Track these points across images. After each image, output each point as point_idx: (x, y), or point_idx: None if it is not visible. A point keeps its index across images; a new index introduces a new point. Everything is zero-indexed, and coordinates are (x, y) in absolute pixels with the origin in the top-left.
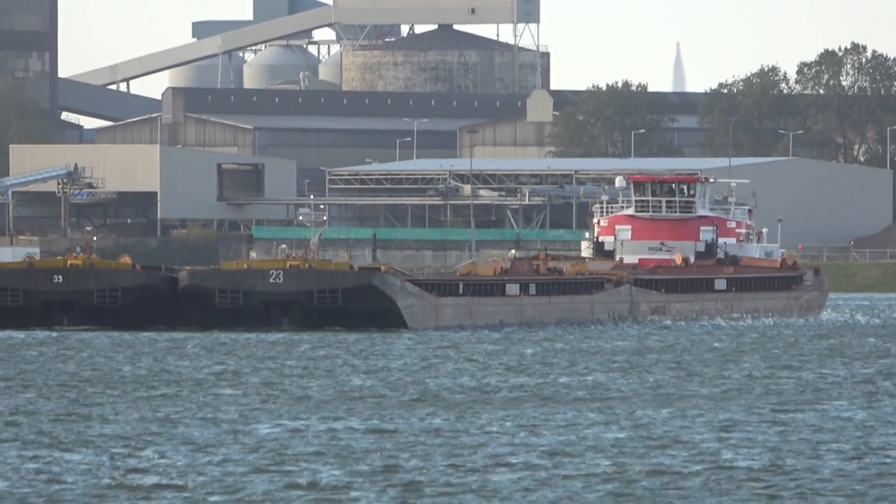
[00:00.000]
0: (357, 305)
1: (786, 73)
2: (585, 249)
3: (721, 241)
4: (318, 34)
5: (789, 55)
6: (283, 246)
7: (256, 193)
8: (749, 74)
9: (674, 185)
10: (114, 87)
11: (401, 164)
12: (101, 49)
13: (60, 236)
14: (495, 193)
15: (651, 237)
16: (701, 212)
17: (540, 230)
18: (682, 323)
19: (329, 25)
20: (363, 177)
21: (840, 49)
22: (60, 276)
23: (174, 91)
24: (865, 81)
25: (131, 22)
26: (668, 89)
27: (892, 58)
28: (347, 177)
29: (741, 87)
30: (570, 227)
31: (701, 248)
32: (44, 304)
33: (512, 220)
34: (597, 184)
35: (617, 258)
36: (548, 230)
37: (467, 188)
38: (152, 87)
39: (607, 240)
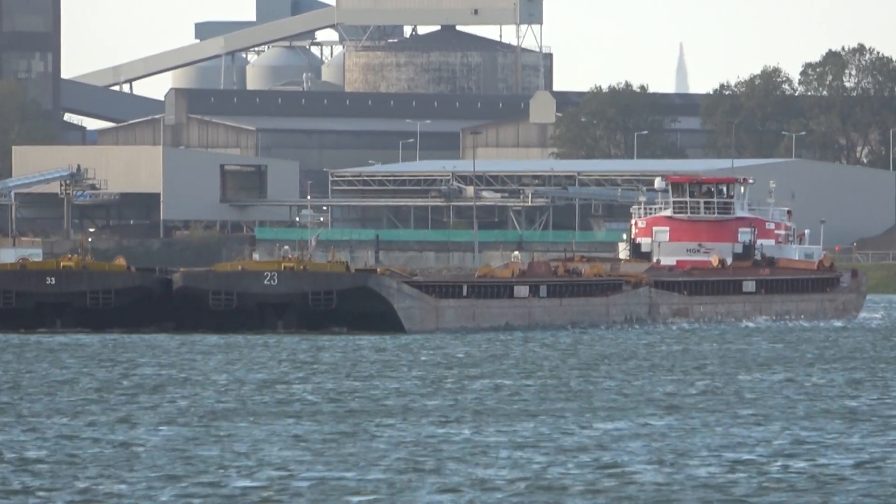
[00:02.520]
0: (352, 307)
1: (788, 75)
2: (622, 251)
3: (759, 242)
4: (320, 35)
5: (792, 56)
6: (286, 247)
7: (259, 195)
8: (752, 75)
9: (712, 186)
10: (116, 88)
11: (403, 166)
12: (104, 50)
13: (63, 238)
14: (498, 195)
15: (689, 238)
16: (739, 213)
17: (567, 232)
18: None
19: (332, 26)
20: (366, 178)
21: (844, 50)
22: (53, 278)
23: (177, 92)
24: (869, 83)
25: (134, 23)
26: (671, 90)
27: (895, 59)
28: (350, 178)
29: (744, 89)
30: (573, 229)
31: (739, 249)
32: (36, 307)
33: (515, 222)
34: (600, 185)
35: (654, 259)
36: (569, 231)
37: (470, 189)
38: (155, 88)
39: (644, 241)
